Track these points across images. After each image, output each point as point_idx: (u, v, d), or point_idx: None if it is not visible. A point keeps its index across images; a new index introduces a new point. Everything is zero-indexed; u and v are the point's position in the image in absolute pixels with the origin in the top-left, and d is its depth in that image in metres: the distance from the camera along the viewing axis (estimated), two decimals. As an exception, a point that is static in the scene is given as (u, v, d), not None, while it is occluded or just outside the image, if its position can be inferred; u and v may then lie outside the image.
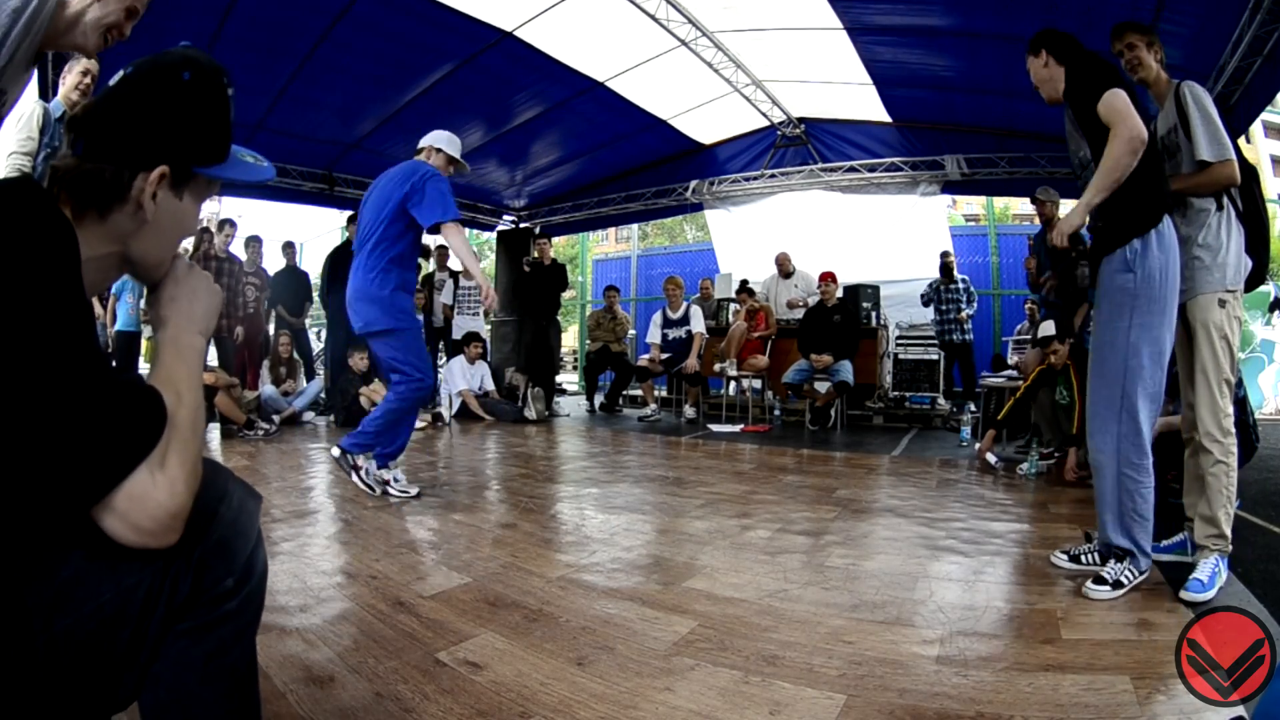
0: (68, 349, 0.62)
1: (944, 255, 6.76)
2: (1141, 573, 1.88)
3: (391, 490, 2.94)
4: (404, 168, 2.96)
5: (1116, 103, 1.77)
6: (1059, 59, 1.97)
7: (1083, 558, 2.05)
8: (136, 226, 0.75)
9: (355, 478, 2.95)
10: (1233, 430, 1.94)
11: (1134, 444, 1.84)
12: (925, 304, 6.85)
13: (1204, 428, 1.94)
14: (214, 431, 5.00)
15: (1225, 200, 1.99)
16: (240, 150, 0.84)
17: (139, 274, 0.80)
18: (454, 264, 7.98)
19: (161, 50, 0.78)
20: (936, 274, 6.78)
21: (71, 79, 2.91)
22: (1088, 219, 1.91)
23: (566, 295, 7.58)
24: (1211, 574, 1.88)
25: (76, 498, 0.64)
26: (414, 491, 2.95)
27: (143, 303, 5.44)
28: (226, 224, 6.11)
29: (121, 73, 0.75)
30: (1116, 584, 1.83)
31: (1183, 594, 1.82)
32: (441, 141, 3.07)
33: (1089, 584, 1.83)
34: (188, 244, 6.41)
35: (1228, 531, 1.92)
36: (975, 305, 6.88)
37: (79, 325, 0.64)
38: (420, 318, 2.79)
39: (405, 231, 2.93)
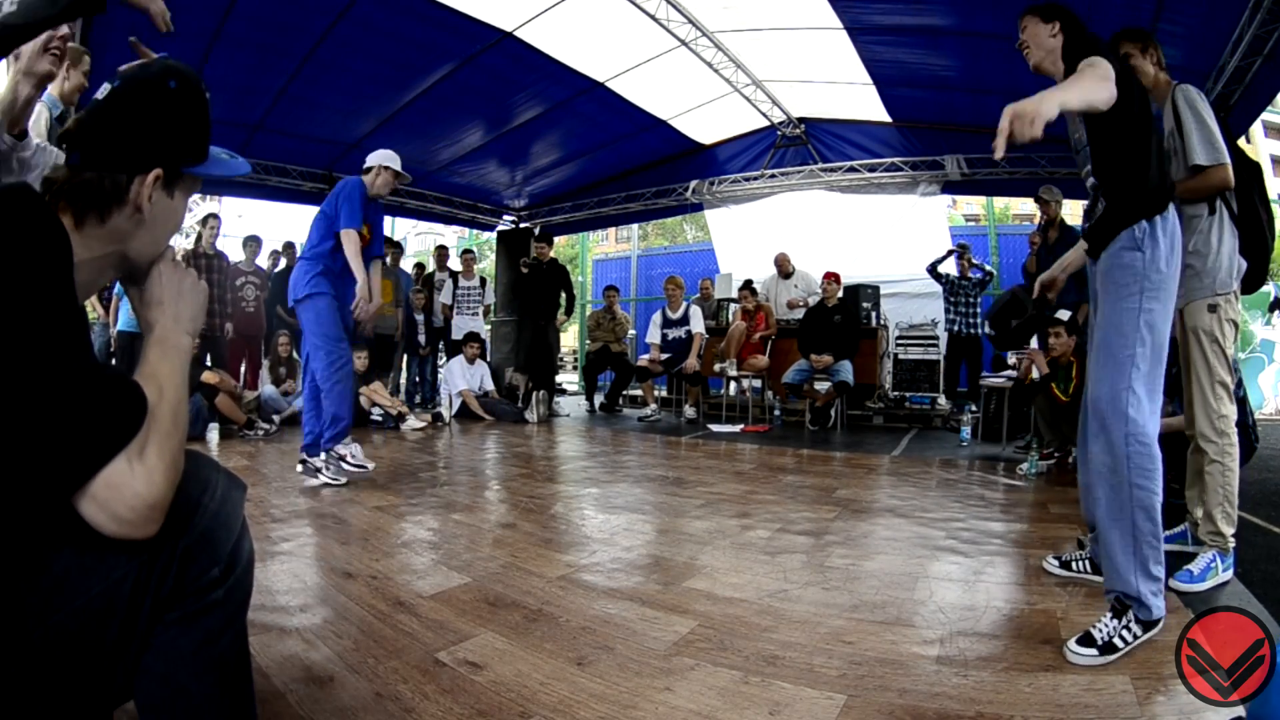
0: (51, 343, 0.64)
1: (960, 247, 6.61)
2: (1145, 630, 1.49)
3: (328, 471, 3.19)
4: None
5: (1094, 60, 1.56)
6: (1068, 38, 1.75)
7: (1074, 564, 1.99)
8: (134, 226, 0.79)
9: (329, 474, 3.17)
10: (1229, 431, 1.96)
11: (1144, 443, 1.52)
12: (931, 272, 6.57)
13: (1199, 428, 1.99)
14: (214, 431, 5.00)
15: (1219, 204, 1.98)
16: (216, 150, 0.90)
17: (133, 268, 0.84)
18: (454, 264, 7.99)
19: (150, 60, 0.86)
20: (952, 265, 6.66)
21: (75, 78, 2.90)
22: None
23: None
24: (1204, 568, 1.91)
25: (56, 484, 0.66)
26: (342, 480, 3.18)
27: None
28: (211, 218, 5.98)
29: (109, 86, 0.80)
30: (1107, 647, 1.46)
31: (1171, 582, 1.87)
32: (387, 160, 3.49)
33: (1071, 643, 1.48)
34: (177, 242, 6.39)
35: (1224, 530, 1.94)
36: (993, 274, 6.71)
37: (64, 321, 0.66)
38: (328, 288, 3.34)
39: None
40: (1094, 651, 1.46)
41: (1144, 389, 1.54)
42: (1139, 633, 1.49)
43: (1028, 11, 1.85)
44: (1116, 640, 1.47)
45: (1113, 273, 1.62)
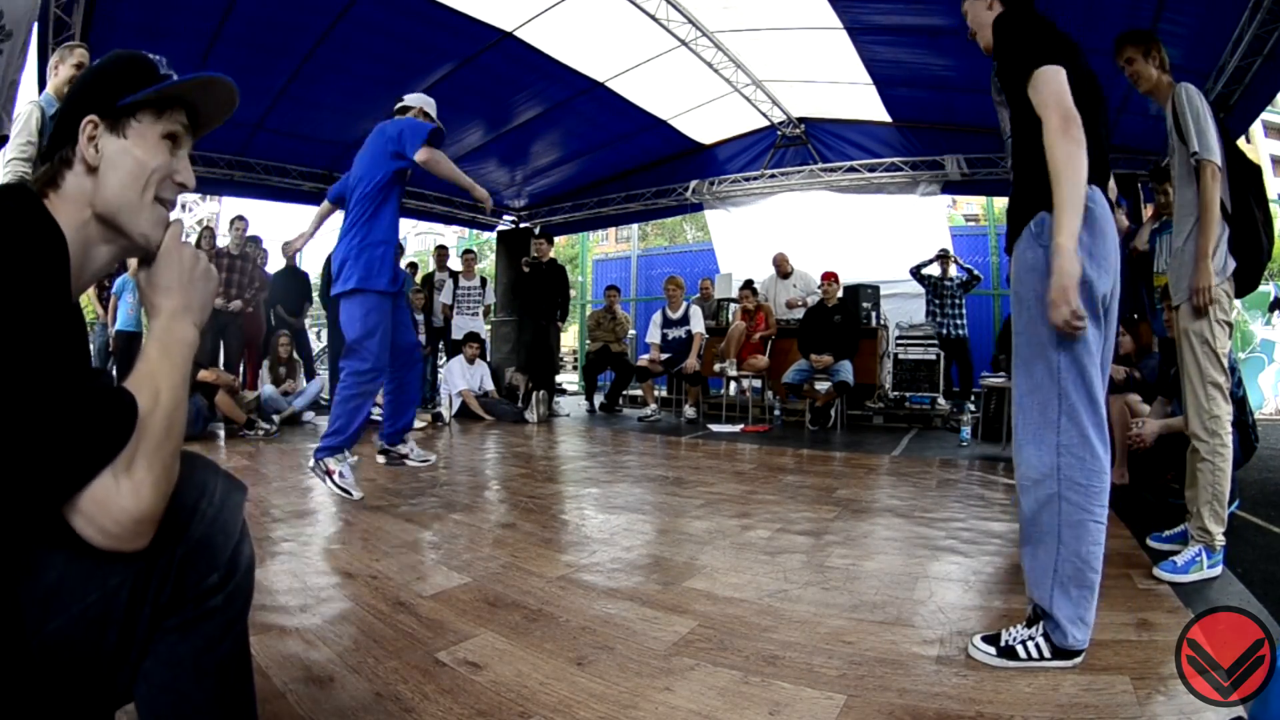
0: (33, 355, 0.62)
1: (942, 252, 6.65)
2: (1055, 656, 1.37)
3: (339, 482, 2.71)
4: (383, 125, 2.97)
5: (1045, 88, 1.37)
6: (1006, 9, 1.59)
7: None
8: (90, 178, 0.78)
9: (330, 484, 2.71)
10: (1221, 431, 1.98)
11: (1079, 456, 1.37)
12: (914, 274, 6.63)
13: (1191, 427, 2.04)
14: (216, 431, 5.00)
15: None
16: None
17: (120, 229, 0.80)
18: (454, 264, 7.98)
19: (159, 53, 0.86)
20: (936, 268, 6.69)
21: (65, 71, 2.90)
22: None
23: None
24: (1188, 561, 1.95)
25: (41, 501, 0.64)
26: (356, 495, 2.73)
27: (133, 273, 5.41)
28: (238, 220, 6.13)
29: None
30: (1007, 651, 1.39)
31: (1155, 570, 1.95)
32: (426, 102, 3.21)
33: (976, 637, 1.45)
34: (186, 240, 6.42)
35: (1212, 528, 1.97)
36: (980, 277, 6.73)
37: (49, 330, 0.64)
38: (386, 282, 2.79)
39: (387, 186, 2.86)
40: (992, 650, 1.41)
41: (1077, 396, 1.38)
42: (1046, 653, 1.38)
43: None
44: (1019, 648, 1.39)
45: (1019, 274, 1.45)
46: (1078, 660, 1.38)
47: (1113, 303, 1.47)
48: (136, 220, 0.80)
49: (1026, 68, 1.41)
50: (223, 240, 6.17)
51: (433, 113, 3.13)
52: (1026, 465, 1.43)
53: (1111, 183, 1.70)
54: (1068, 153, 1.34)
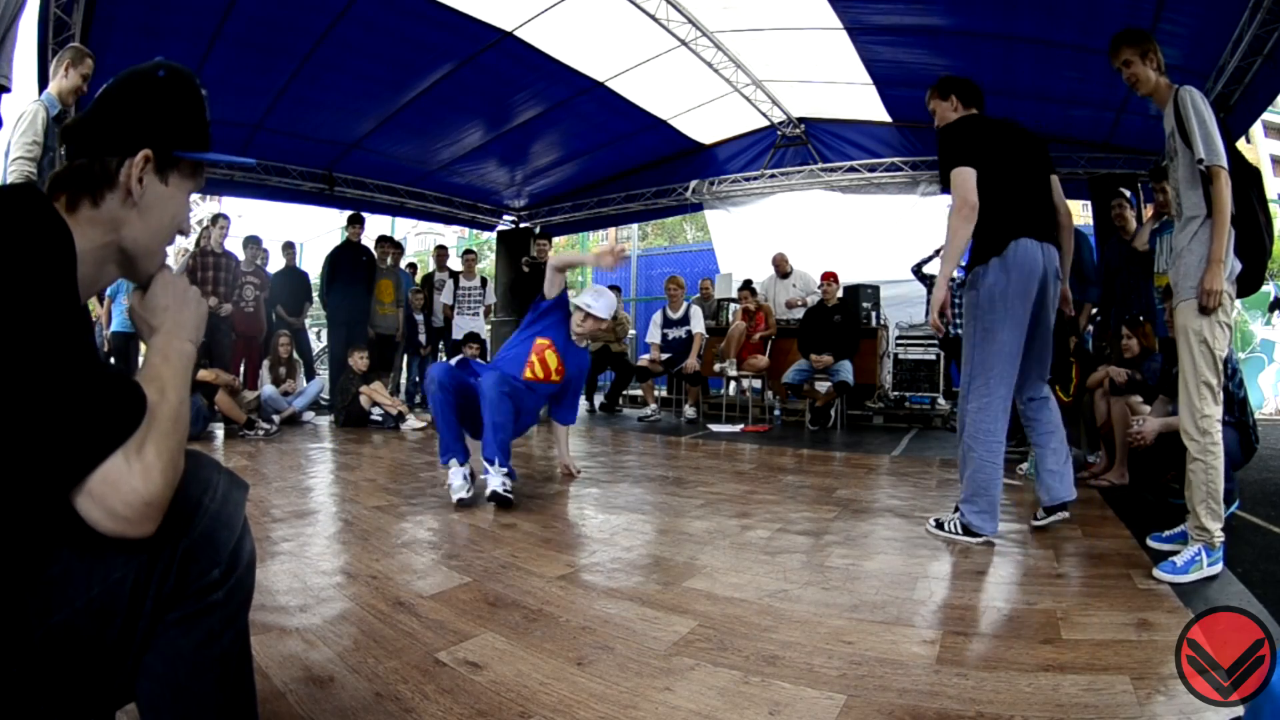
0: (50, 340, 0.64)
1: (941, 249, 6.65)
2: (965, 534, 2.29)
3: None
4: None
5: (955, 181, 2.22)
6: (964, 104, 2.49)
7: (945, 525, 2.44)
8: (127, 211, 0.79)
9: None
10: (1212, 430, 1.99)
11: (974, 424, 2.30)
12: (915, 272, 6.62)
13: (1183, 426, 2.05)
14: (215, 431, 5.00)
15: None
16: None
17: (134, 266, 0.83)
18: (454, 264, 7.98)
19: (159, 54, 0.87)
20: (936, 266, 6.68)
21: (73, 78, 2.90)
22: (949, 283, 2.32)
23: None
24: (1187, 561, 1.95)
25: (54, 480, 0.65)
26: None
27: (128, 300, 5.42)
28: (220, 218, 6.07)
29: (105, 86, 0.82)
30: (939, 525, 2.40)
31: (1155, 571, 1.95)
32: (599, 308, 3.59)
33: (929, 519, 2.47)
34: (187, 244, 6.41)
35: (1209, 525, 1.97)
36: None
37: (64, 319, 0.66)
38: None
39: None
40: (934, 523, 2.42)
41: (970, 386, 2.33)
42: (959, 530, 2.32)
43: (929, 93, 2.60)
44: (946, 524, 2.38)
45: (967, 307, 2.41)
46: (977, 540, 2.29)
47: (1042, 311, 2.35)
48: (151, 263, 0.84)
49: (947, 169, 2.28)
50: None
51: (597, 313, 3.65)
52: (960, 414, 2.40)
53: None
54: (954, 227, 2.25)
